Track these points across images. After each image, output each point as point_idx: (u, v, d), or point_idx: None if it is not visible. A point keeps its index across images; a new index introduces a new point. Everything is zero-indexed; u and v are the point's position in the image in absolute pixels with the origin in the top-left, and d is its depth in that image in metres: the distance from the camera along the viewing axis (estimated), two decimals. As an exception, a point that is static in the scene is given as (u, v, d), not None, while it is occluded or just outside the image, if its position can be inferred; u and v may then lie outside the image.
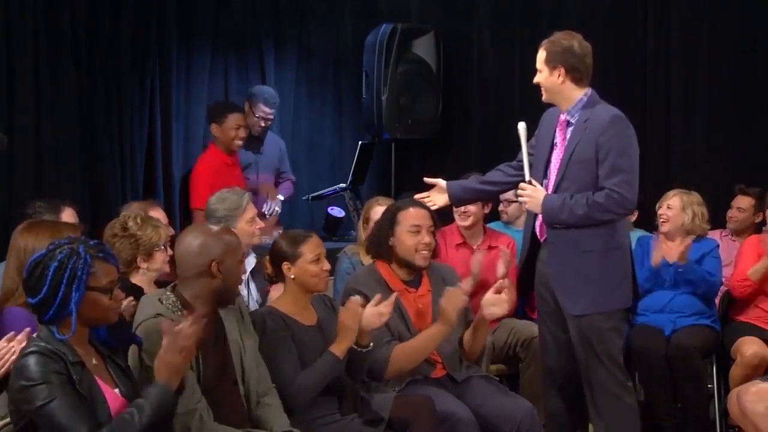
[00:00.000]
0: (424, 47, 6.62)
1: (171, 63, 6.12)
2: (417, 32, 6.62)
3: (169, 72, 6.10)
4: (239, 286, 3.38)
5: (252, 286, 4.38)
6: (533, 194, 3.90)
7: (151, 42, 5.98)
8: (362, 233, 4.67)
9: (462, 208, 4.93)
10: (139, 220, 3.81)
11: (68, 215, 4.34)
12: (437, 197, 4.23)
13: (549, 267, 3.96)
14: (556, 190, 3.89)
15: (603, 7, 6.39)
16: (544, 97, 3.97)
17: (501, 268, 4.68)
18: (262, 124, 6.11)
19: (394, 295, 3.68)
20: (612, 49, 6.34)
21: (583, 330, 3.87)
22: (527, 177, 3.93)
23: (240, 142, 5.63)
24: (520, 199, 4.04)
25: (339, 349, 3.48)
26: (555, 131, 3.97)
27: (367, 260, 4.45)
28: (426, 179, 4.31)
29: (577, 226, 3.82)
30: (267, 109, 6.10)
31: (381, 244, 3.97)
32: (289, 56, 6.79)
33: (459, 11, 6.84)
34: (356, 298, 3.55)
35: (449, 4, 6.88)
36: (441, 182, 4.26)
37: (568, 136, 3.91)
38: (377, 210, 4.51)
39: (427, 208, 4.07)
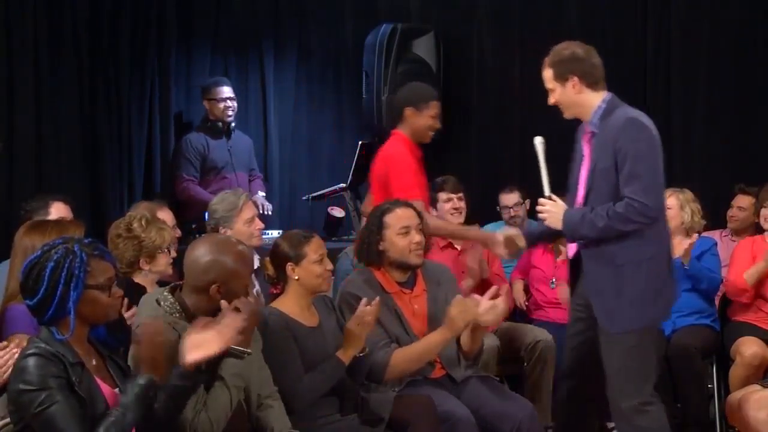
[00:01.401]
0: (424, 47, 6.61)
1: (171, 63, 6.12)
2: (417, 32, 6.61)
3: (169, 72, 6.11)
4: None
5: (257, 286, 4.34)
6: (553, 209, 3.73)
7: (151, 42, 5.99)
8: None
9: (453, 205, 5.03)
10: (143, 222, 3.79)
11: (58, 209, 4.29)
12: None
13: (584, 285, 3.79)
14: (584, 203, 3.73)
15: (603, 7, 6.40)
16: (566, 115, 3.81)
17: (470, 258, 4.77)
18: (230, 105, 6.03)
19: (377, 300, 3.62)
20: (612, 49, 6.33)
21: (616, 349, 3.66)
22: (546, 192, 3.78)
23: (432, 134, 4.74)
24: (539, 216, 3.83)
25: (346, 355, 3.51)
26: (582, 144, 3.83)
27: None
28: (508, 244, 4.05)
29: (601, 239, 3.63)
30: (226, 89, 6.04)
31: (371, 251, 3.92)
32: (289, 56, 6.79)
33: (459, 11, 6.84)
34: (366, 309, 3.54)
35: (449, 4, 6.88)
36: (521, 240, 4.07)
37: (593, 146, 3.75)
38: None
39: (412, 206, 4.01)
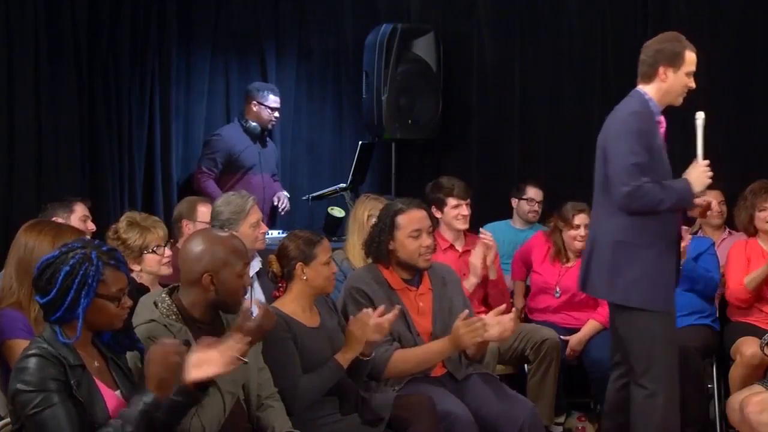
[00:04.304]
0: (424, 47, 6.61)
1: (171, 63, 6.11)
2: (417, 32, 6.61)
3: (169, 72, 6.10)
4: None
5: (258, 289, 4.33)
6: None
7: (151, 42, 5.98)
8: (354, 236, 4.63)
9: (462, 212, 4.96)
10: (125, 224, 3.85)
11: (82, 209, 4.50)
12: None
13: None
14: None
15: (603, 7, 6.39)
16: None
17: (477, 253, 4.74)
18: (276, 115, 6.15)
19: (397, 308, 3.65)
20: (612, 49, 6.34)
21: None
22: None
23: None
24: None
25: (344, 358, 3.51)
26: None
27: (357, 263, 4.44)
28: None
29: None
30: (277, 98, 6.13)
31: (380, 249, 3.93)
32: (289, 56, 6.79)
33: (459, 11, 6.83)
34: (368, 311, 3.55)
35: (449, 4, 6.87)
36: None
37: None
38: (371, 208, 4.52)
39: (425, 208, 4.04)
